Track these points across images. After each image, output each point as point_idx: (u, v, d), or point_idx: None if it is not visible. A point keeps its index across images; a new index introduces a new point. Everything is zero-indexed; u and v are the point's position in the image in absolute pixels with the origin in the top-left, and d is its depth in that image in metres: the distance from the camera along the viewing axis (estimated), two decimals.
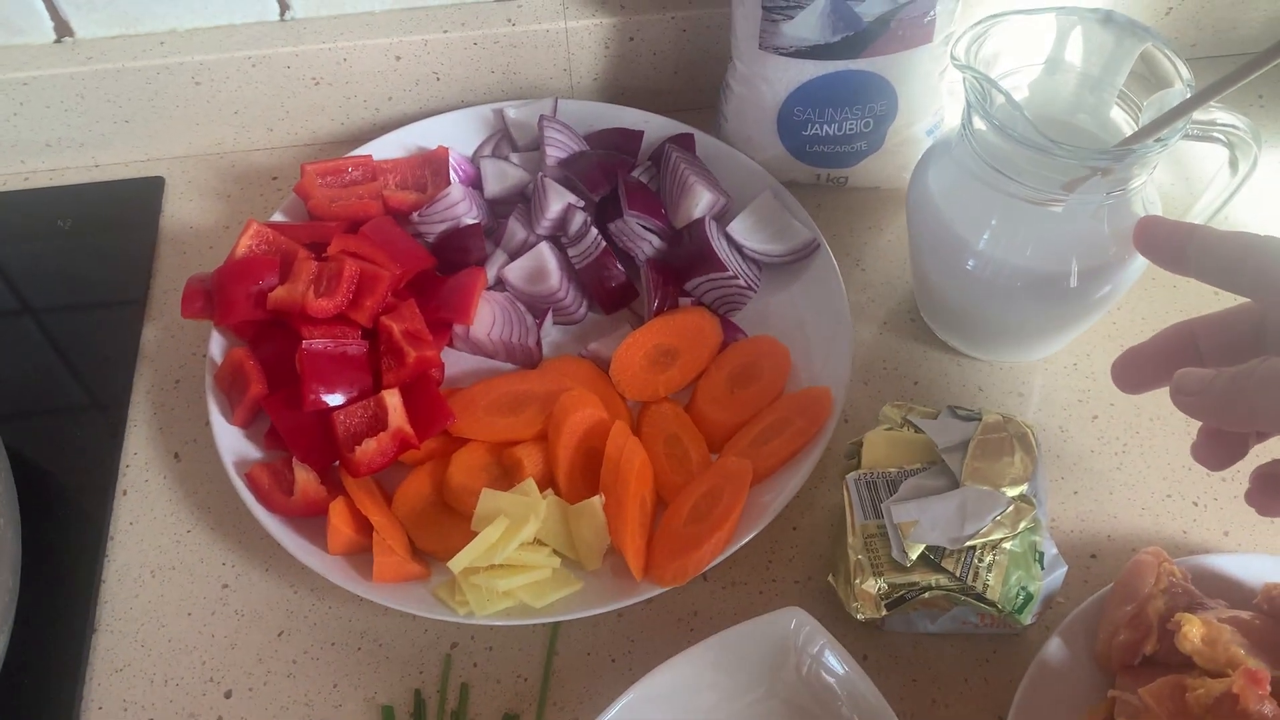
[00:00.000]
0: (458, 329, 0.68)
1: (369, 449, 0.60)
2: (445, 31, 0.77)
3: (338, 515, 0.58)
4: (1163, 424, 0.66)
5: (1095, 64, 0.59)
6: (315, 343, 0.63)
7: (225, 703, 0.58)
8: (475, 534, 0.58)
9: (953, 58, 0.56)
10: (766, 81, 0.71)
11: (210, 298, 0.66)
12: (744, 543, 0.58)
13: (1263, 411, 0.43)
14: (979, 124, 0.57)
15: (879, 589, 0.55)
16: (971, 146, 0.58)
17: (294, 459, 0.60)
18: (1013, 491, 0.55)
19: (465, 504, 0.61)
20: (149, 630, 0.60)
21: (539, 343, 0.68)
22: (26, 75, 0.74)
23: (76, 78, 0.75)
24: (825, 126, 0.72)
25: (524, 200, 0.75)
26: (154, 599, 0.61)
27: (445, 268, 0.71)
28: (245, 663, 0.59)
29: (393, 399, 0.61)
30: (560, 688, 0.58)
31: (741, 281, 0.68)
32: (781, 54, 0.69)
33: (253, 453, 0.63)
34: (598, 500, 0.58)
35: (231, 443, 0.63)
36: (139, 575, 0.62)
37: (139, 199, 0.79)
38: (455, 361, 0.68)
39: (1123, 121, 0.59)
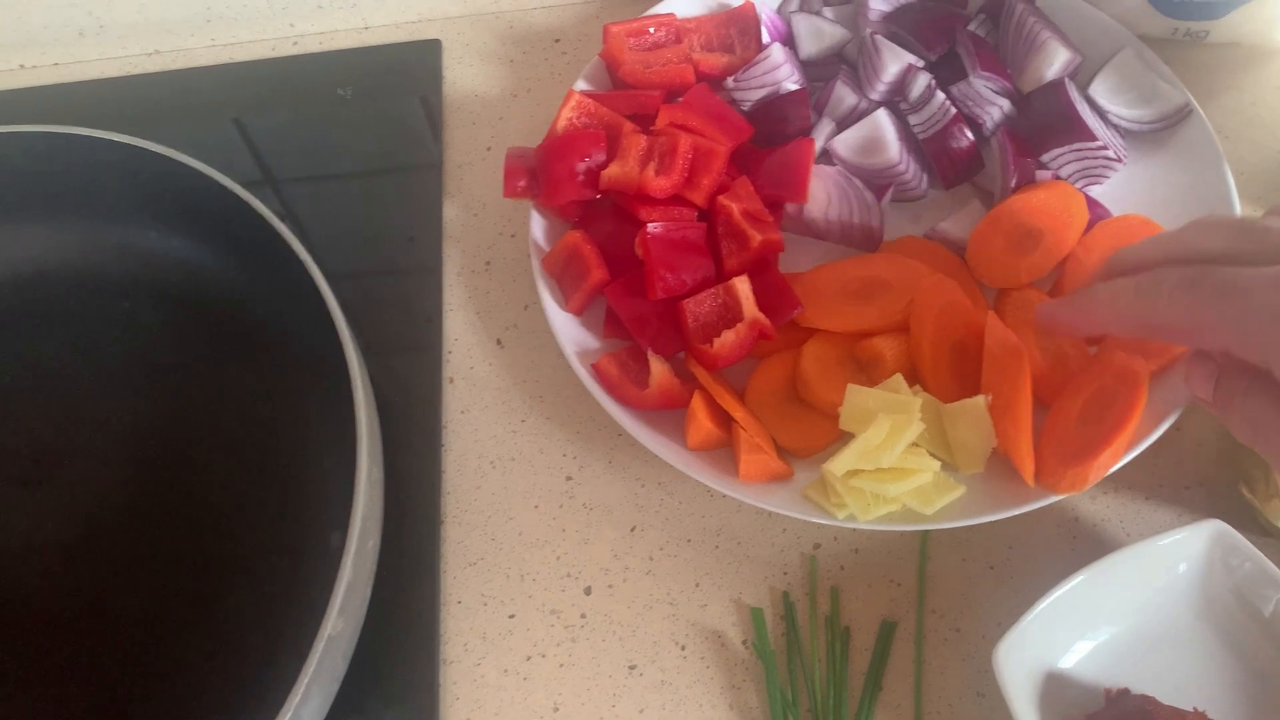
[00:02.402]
0: (790, 208, 0.63)
1: (727, 341, 0.56)
2: None
3: (701, 410, 0.55)
4: None
5: None
6: (657, 226, 0.58)
7: (586, 599, 0.56)
8: (839, 431, 0.55)
9: None
10: None
11: (532, 175, 0.62)
12: (1145, 446, 0.53)
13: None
14: None
15: None
16: None
17: (649, 351, 0.57)
18: None
19: (820, 399, 0.57)
20: (497, 523, 0.59)
21: (881, 222, 0.62)
22: None
23: None
24: None
25: (842, 61, 0.68)
26: (498, 491, 0.60)
27: (760, 139, 0.65)
28: (601, 558, 0.57)
29: (743, 286, 0.57)
30: (936, 594, 0.55)
31: (1110, 152, 0.60)
32: None
33: (588, 341, 0.60)
34: (982, 400, 0.53)
35: (568, 331, 0.60)
36: (478, 466, 0.60)
37: (418, 64, 0.74)
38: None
39: None
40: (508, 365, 0.63)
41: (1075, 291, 0.48)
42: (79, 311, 0.63)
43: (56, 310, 0.63)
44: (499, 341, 0.64)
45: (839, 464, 0.52)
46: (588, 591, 0.57)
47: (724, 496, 0.58)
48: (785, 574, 0.56)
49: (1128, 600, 0.51)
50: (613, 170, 0.60)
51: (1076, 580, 0.50)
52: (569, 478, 0.60)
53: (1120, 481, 0.57)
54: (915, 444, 0.54)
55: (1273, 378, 0.39)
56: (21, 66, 0.77)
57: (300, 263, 0.54)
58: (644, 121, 0.64)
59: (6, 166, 0.61)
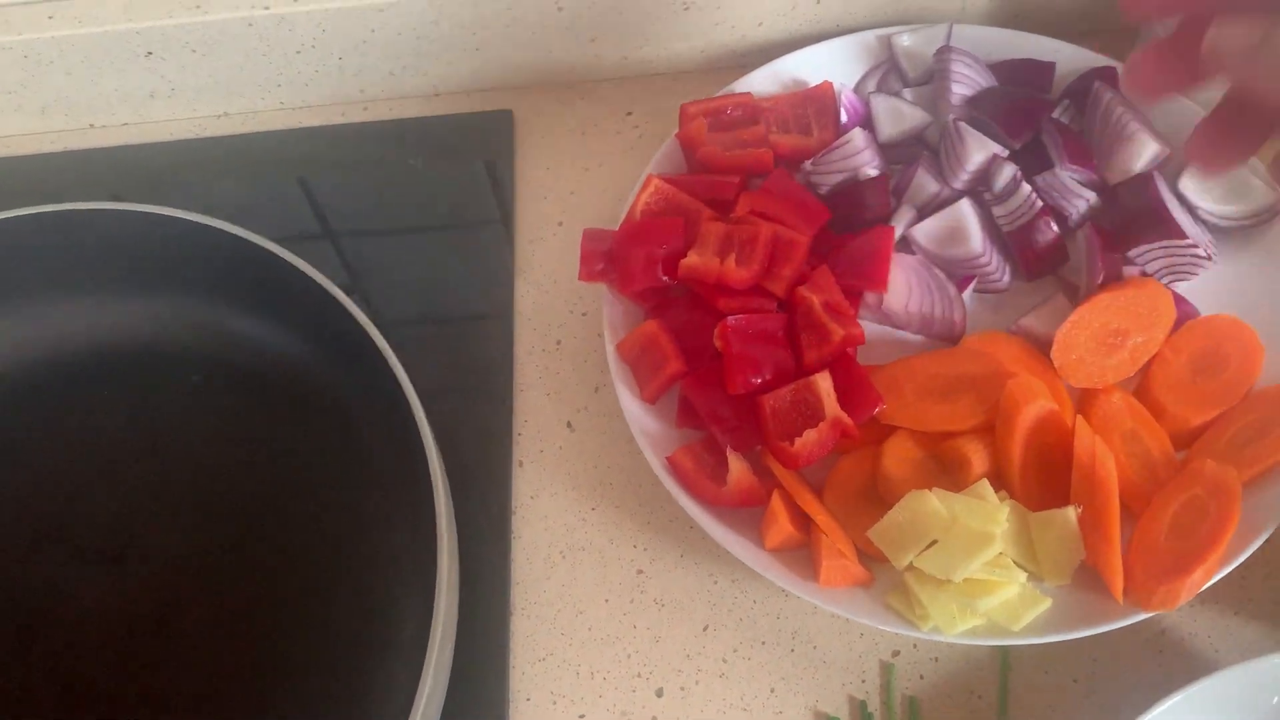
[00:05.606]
0: (869, 297, 0.62)
1: (809, 440, 0.55)
2: None
3: (782, 512, 0.54)
4: None
5: None
6: (737, 318, 0.58)
7: (657, 701, 0.55)
8: (920, 536, 0.53)
9: None
10: None
11: (609, 259, 0.62)
12: (1239, 563, 0.52)
13: None
14: None
15: None
16: None
17: (728, 448, 0.56)
18: None
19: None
20: (567, 617, 0.58)
21: (964, 316, 0.61)
22: (385, 1, 0.69)
23: (435, 3, 0.69)
24: None
25: (922, 145, 0.67)
26: (567, 582, 0.59)
27: (837, 223, 0.64)
28: (672, 659, 0.56)
29: (824, 383, 0.56)
30: (1018, 707, 0.54)
31: (1200, 250, 0.59)
32: None
33: (660, 429, 0.59)
34: (1072, 512, 0.52)
35: (641, 420, 0.59)
36: (548, 555, 0.60)
37: (489, 135, 0.74)
38: None
39: None
40: (578, 450, 0.62)
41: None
42: (150, 384, 0.63)
43: (128, 382, 0.63)
44: (569, 424, 0.63)
45: (927, 566, 0.51)
46: (659, 693, 0.56)
47: (804, 600, 0.57)
48: (863, 681, 0.55)
49: None
50: (691, 260, 0.59)
51: (1168, 704, 0.49)
52: (640, 571, 0.59)
53: (1208, 596, 0.55)
54: (1001, 553, 0.53)
55: None
56: (91, 126, 0.78)
57: (376, 348, 0.54)
58: (721, 206, 0.63)
59: (80, 241, 0.61)
